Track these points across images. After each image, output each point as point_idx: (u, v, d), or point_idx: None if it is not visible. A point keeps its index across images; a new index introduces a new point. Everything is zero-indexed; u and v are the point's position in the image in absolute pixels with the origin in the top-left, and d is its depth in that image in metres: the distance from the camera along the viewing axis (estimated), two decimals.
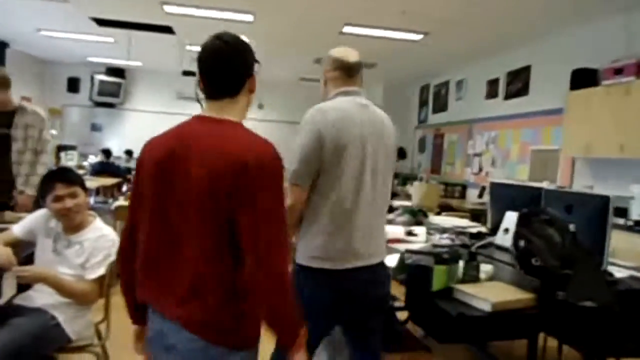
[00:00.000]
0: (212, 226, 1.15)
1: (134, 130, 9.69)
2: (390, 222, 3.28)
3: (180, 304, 1.18)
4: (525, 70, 5.87)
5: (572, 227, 1.82)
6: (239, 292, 1.19)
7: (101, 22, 6.03)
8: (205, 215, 1.15)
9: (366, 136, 1.73)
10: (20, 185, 3.11)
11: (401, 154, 7.46)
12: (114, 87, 9.67)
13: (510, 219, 2.72)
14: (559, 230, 1.78)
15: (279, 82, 9.64)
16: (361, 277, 1.71)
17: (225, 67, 1.25)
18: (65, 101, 9.62)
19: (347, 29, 5.60)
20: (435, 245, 2.19)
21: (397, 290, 3.06)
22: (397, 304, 2.82)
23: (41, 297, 2.02)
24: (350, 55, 1.82)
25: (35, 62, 9.10)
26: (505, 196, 2.95)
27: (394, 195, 7.14)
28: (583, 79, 4.64)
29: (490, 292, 1.73)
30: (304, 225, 1.72)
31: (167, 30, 6.17)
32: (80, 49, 7.91)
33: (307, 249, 1.70)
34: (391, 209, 5.27)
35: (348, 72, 1.81)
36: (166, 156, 1.21)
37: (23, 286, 2.11)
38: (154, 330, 1.26)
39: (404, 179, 8.04)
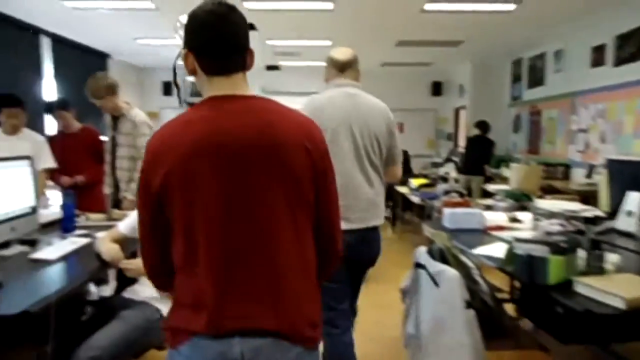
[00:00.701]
0: (302, 213, 1.07)
1: None
2: (489, 207, 3.05)
3: (279, 311, 1.03)
4: (639, 32, 5.18)
5: None
6: (317, 283, 1.14)
7: None
8: (295, 204, 1.05)
9: (349, 119, 2.07)
10: (123, 192, 3.32)
11: (483, 127, 7.02)
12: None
13: (634, 199, 2.39)
14: None
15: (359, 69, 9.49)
16: (345, 239, 1.93)
17: (239, 36, 1.10)
18: (161, 104, 10.27)
19: (429, 6, 5.31)
20: (548, 233, 1.96)
21: (501, 281, 2.84)
22: (501, 295, 2.61)
23: (146, 290, 2.11)
24: (342, 54, 2.21)
25: (134, 69, 9.80)
26: (627, 174, 2.60)
27: (489, 180, 6.74)
28: None
29: (621, 286, 1.50)
30: None
31: (249, 26, 6.28)
32: (171, 53, 8.36)
33: None
34: (488, 194, 4.93)
35: (340, 69, 2.20)
36: (214, 149, 1.01)
37: (128, 280, 2.23)
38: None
39: (498, 161, 7.54)
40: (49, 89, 6.65)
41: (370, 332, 3.16)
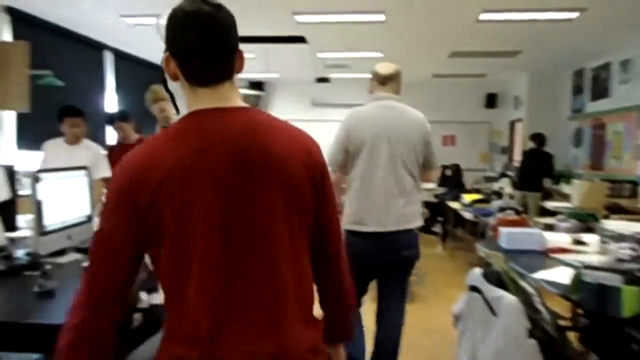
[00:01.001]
0: (299, 226, 1.01)
1: None
2: (550, 227, 2.87)
3: (279, 339, 0.95)
4: None
5: None
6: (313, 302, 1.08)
7: (242, 40, 6.43)
8: (293, 215, 0.99)
9: (387, 130, 2.25)
10: None
11: (539, 139, 6.69)
12: (255, 100, 10.34)
13: None
14: None
15: (410, 81, 9.30)
16: (378, 240, 2.24)
17: (226, 38, 0.98)
18: None
19: (484, 16, 5.14)
20: (619, 259, 1.79)
21: (561, 307, 2.64)
22: (563, 322, 2.42)
23: None
24: (384, 68, 2.38)
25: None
26: None
27: (547, 196, 6.40)
28: None
29: None
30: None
31: (300, 40, 6.34)
32: None
33: (345, 215, 2.34)
34: (546, 211, 4.66)
35: (381, 82, 2.38)
36: (209, 164, 0.93)
37: None
38: None
39: (557, 176, 7.16)
40: (111, 101, 6.99)
41: (415, 356, 3.03)
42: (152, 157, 0.94)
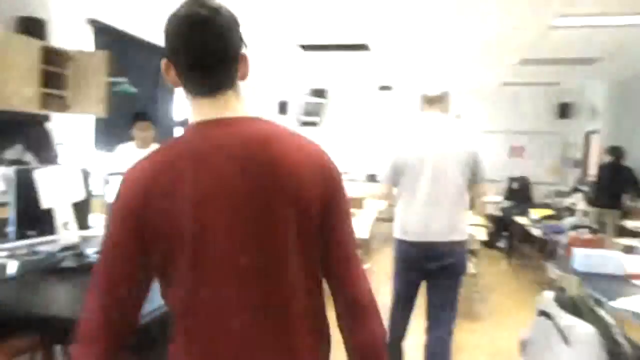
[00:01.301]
0: (315, 250, 0.96)
1: (331, 146, 10.25)
2: (631, 249, 2.63)
3: (294, 345, 0.93)
4: None
5: None
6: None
7: (306, 47, 6.51)
8: (306, 241, 0.93)
9: (431, 150, 2.40)
10: None
11: (617, 153, 6.22)
12: (316, 107, 10.42)
13: None
14: None
15: (478, 89, 9.04)
16: (419, 247, 2.42)
17: (224, 45, 0.91)
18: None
19: (559, 22, 4.86)
20: None
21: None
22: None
23: None
24: (431, 90, 2.52)
25: (247, 87, 10.41)
26: None
27: (626, 214, 5.91)
28: None
29: None
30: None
31: (362, 47, 6.31)
32: (288, 74, 8.73)
33: (394, 225, 2.56)
34: (626, 232, 4.28)
35: (429, 103, 2.52)
36: (217, 177, 0.89)
37: None
38: None
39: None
40: (180, 107, 7.30)
41: None
42: (156, 172, 0.92)
